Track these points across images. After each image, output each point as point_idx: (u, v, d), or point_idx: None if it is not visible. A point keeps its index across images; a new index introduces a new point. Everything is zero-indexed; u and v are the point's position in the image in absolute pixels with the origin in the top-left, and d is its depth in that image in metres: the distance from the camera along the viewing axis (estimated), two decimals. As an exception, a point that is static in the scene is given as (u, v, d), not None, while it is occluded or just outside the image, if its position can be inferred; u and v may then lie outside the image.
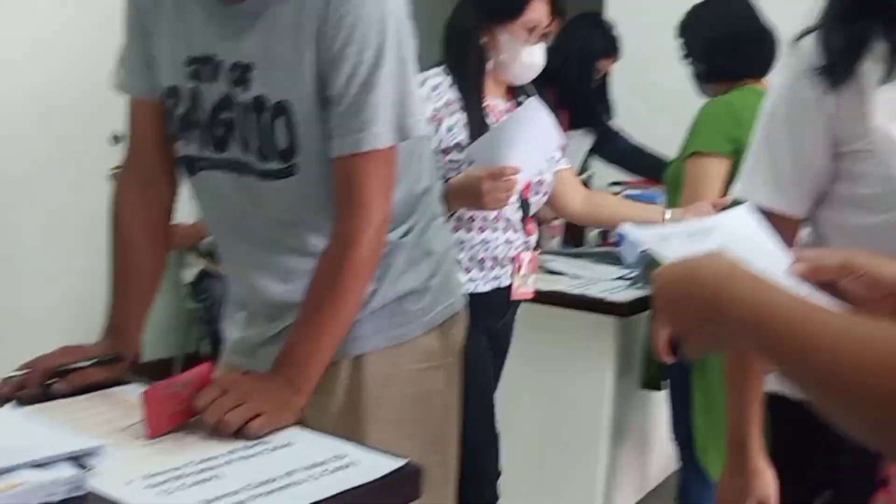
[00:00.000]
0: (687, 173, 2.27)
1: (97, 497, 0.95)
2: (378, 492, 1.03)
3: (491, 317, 2.09)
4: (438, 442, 1.49)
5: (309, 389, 1.24)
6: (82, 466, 0.97)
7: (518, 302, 2.17)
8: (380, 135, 1.27)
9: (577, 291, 2.58)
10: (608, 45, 3.10)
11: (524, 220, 2.11)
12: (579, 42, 3.04)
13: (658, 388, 2.58)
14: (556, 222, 3.39)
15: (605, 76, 3.17)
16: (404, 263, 1.43)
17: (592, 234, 3.81)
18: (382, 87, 1.26)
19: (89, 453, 0.99)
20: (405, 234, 1.43)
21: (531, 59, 2.05)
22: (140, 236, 1.43)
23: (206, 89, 1.32)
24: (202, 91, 1.33)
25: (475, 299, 1.88)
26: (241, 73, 1.29)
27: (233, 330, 1.53)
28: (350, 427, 1.42)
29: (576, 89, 3.00)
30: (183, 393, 1.14)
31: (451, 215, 1.92)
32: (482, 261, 2.04)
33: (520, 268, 2.09)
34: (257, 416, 1.14)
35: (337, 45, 1.24)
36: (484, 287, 2.04)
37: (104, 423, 1.17)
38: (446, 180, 1.91)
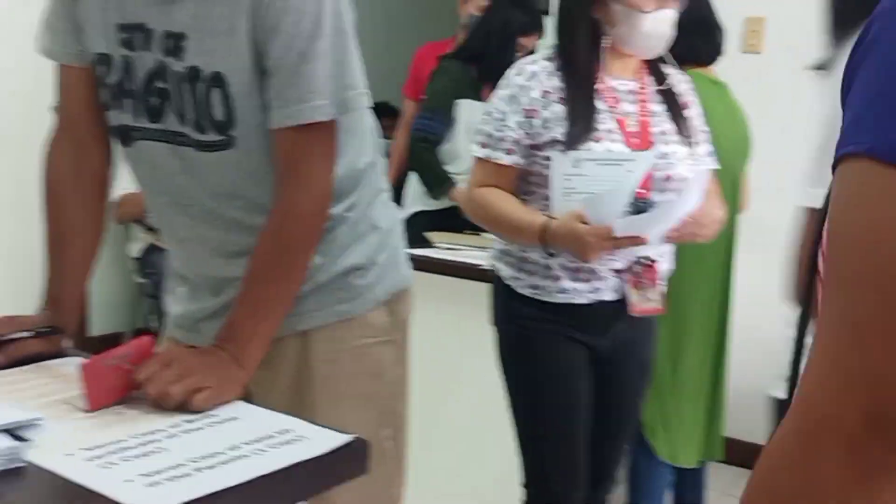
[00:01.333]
0: None
1: (36, 469, 0.92)
2: (325, 467, 1.02)
3: (591, 332, 1.88)
4: (390, 416, 1.48)
5: (253, 364, 1.23)
6: (19, 439, 0.94)
7: (640, 318, 1.88)
8: (320, 107, 1.24)
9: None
10: (530, 23, 3.13)
11: None
12: (501, 19, 3.09)
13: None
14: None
15: (529, 53, 3.17)
16: (349, 238, 1.41)
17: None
18: (321, 58, 1.23)
19: (27, 425, 0.96)
20: (349, 210, 1.41)
21: (654, 27, 1.77)
22: (74, 205, 1.39)
23: (139, 58, 1.29)
24: (135, 60, 1.29)
25: (570, 310, 1.83)
26: (175, 43, 1.25)
27: (174, 305, 1.50)
28: (298, 403, 1.40)
29: (497, 66, 2.98)
30: (124, 366, 1.11)
31: (550, 255, 1.80)
32: (576, 271, 1.81)
33: (636, 283, 1.84)
34: (201, 389, 1.12)
35: (272, 15, 1.21)
36: (580, 299, 1.83)
37: (42, 396, 1.14)
38: (527, 193, 1.83)
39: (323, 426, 1.10)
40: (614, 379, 1.94)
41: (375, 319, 1.45)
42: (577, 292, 1.83)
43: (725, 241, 2.41)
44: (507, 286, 1.90)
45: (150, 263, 3.61)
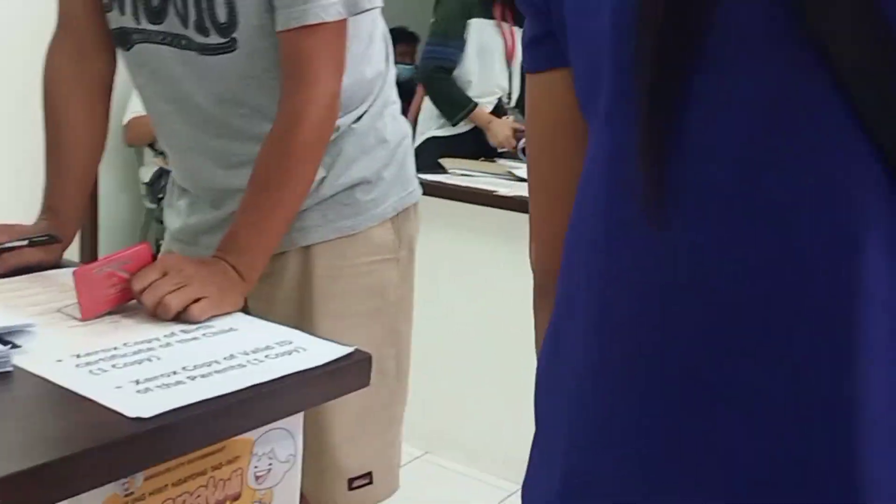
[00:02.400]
0: None
1: (24, 374, 0.89)
2: (325, 378, 0.99)
3: None
4: (393, 336, 1.45)
5: (254, 276, 1.19)
6: (8, 344, 0.92)
7: None
8: (327, 6, 1.18)
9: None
10: None
11: None
12: None
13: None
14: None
15: None
16: (356, 151, 1.36)
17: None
18: None
19: (17, 331, 0.94)
20: (357, 120, 1.36)
21: None
22: (75, 111, 1.34)
23: None
24: None
25: None
26: None
27: (174, 218, 1.47)
28: (299, 319, 1.37)
29: None
30: (119, 274, 1.07)
31: None
32: None
33: None
34: (199, 299, 1.08)
35: None
36: None
37: (36, 304, 1.11)
38: None
39: (324, 339, 1.07)
40: None
41: (380, 237, 1.41)
42: None
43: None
44: None
45: (160, 188, 3.57)
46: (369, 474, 1.43)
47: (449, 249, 2.67)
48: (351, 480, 1.42)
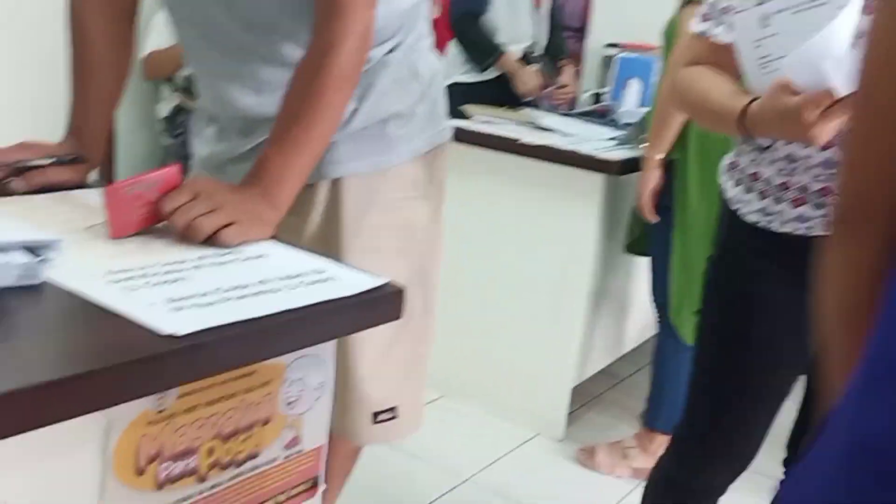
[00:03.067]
0: (684, 25, 2.15)
1: (53, 288, 0.87)
2: (358, 308, 0.97)
3: (784, 267, 1.37)
4: (421, 274, 1.43)
5: (285, 205, 1.16)
6: (39, 257, 0.89)
7: None
8: None
9: (568, 147, 2.50)
10: None
11: None
12: None
13: (643, 253, 2.53)
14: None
15: None
16: (389, 83, 1.33)
17: (585, 96, 3.71)
18: None
19: (47, 245, 0.91)
20: (390, 52, 1.33)
21: None
22: (101, 35, 1.32)
23: None
24: None
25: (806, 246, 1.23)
26: None
27: (202, 146, 1.44)
28: (326, 253, 1.34)
29: None
30: (149, 195, 1.05)
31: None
32: (783, 186, 1.33)
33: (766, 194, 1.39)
34: (230, 224, 1.06)
35: None
36: (780, 227, 1.35)
37: (64, 223, 1.08)
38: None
39: (355, 268, 1.05)
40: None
41: (411, 173, 1.38)
42: (777, 217, 1.36)
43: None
44: (732, 210, 1.44)
45: (178, 124, 3.54)
46: (394, 409, 1.43)
47: (470, 196, 2.64)
48: (376, 414, 1.41)
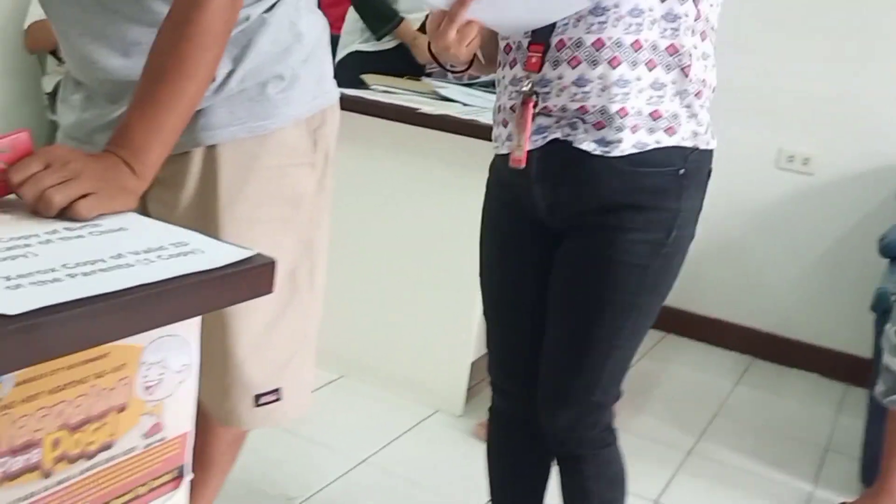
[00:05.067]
0: None
1: None
2: (223, 282, 0.90)
3: (509, 195, 1.48)
4: (307, 247, 1.36)
5: (150, 173, 1.08)
6: None
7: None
8: None
9: (467, 117, 2.46)
10: None
11: (531, 45, 1.34)
12: None
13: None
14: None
15: None
16: (269, 44, 1.25)
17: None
18: None
19: None
20: (269, 10, 1.25)
21: None
22: None
23: None
24: None
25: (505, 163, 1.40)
26: None
27: (67, 113, 1.34)
28: (203, 225, 1.27)
29: None
30: (-5, 161, 0.96)
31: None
32: (498, 109, 1.45)
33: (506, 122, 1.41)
34: (86, 195, 0.97)
35: None
36: (500, 150, 1.45)
37: None
38: None
39: (224, 242, 0.98)
40: (567, 267, 1.42)
41: (294, 139, 1.31)
42: (502, 141, 1.43)
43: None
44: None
45: (62, 96, 3.36)
46: (277, 391, 1.36)
47: (366, 166, 2.58)
48: (258, 397, 1.34)
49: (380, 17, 3.05)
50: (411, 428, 2.49)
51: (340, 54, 3.15)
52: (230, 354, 1.31)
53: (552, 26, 1.30)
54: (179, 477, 0.96)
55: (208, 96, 1.22)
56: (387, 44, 3.11)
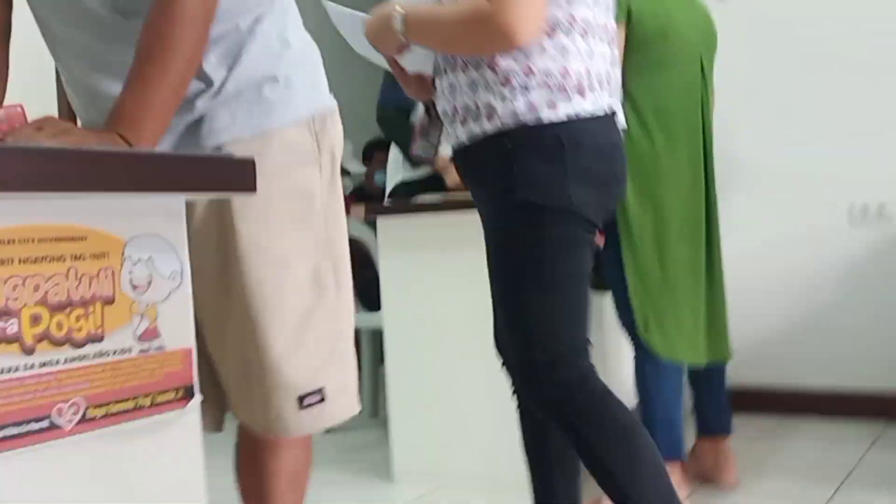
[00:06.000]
0: None
1: None
2: (203, 165, 0.90)
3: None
4: (328, 246, 1.36)
5: (144, 146, 1.11)
6: None
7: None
8: None
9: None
10: None
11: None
12: None
13: (604, 287, 2.44)
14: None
15: None
16: (259, 50, 1.32)
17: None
18: None
19: None
20: (256, 22, 1.32)
21: None
22: None
23: None
24: None
25: None
26: None
27: None
28: (220, 229, 1.29)
29: None
30: (-11, 131, 1.01)
31: None
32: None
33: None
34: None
35: None
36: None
37: None
38: None
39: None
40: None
41: (296, 138, 1.34)
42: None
43: (700, 125, 2.30)
44: None
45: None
46: (320, 391, 1.32)
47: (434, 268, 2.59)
48: (301, 399, 1.30)
49: (409, 145, 3.18)
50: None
51: (389, 186, 3.27)
52: (266, 356, 1.29)
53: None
54: (187, 398, 0.91)
55: (208, 102, 1.28)
56: (424, 170, 3.22)
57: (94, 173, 0.80)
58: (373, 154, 5.15)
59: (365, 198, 4.33)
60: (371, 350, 3.60)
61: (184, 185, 0.88)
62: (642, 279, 2.21)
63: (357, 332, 3.58)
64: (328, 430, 3.25)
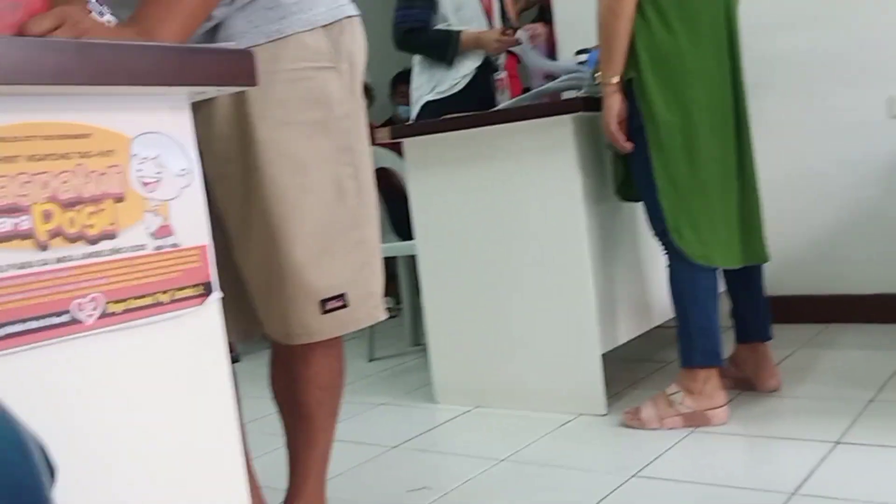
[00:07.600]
0: None
1: None
2: (201, 57, 0.90)
3: None
4: (347, 153, 1.36)
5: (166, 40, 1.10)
6: None
7: None
8: None
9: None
10: None
11: None
12: None
13: (635, 198, 2.41)
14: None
15: None
16: None
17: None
18: None
19: None
20: None
21: None
22: None
23: None
24: None
25: None
26: None
27: None
28: (240, 133, 1.30)
29: None
30: (10, 16, 0.97)
31: None
32: None
33: None
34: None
35: None
36: None
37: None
38: None
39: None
40: None
41: (313, 42, 1.34)
42: None
43: (724, 19, 2.23)
44: None
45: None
46: (342, 296, 1.33)
47: (457, 184, 2.58)
48: (323, 302, 1.31)
49: (438, 43, 3.12)
50: (552, 431, 2.34)
51: (415, 110, 3.23)
52: (288, 261, 1.30)
53: None
54: (206, 294, 0.92)
55: (225, 9, 1.28)
56: (451, 89, 3.17)
57: (85, 64, 0.79)
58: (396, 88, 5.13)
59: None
60: (409, 280, 3.62)
61: (182, 79, 0.87)
62: (672, 182, 2.18)
63: (394, 262, 3.62)
64: (371, 359, 3.32)
